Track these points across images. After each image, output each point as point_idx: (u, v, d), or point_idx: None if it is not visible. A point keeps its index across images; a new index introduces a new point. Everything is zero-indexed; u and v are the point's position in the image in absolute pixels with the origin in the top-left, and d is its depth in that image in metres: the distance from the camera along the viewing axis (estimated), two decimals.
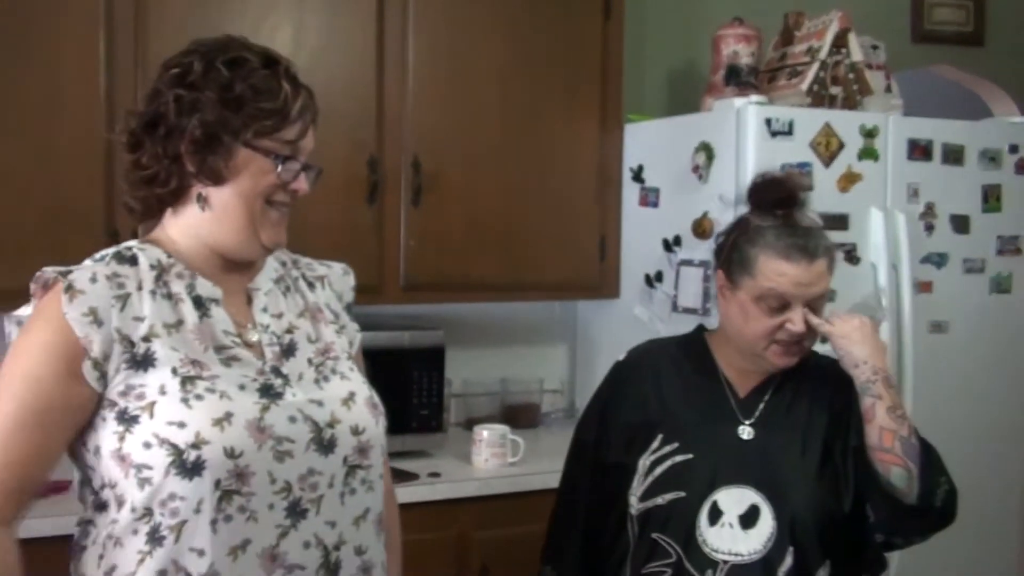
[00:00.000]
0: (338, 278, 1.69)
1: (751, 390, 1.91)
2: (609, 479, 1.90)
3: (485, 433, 2.80)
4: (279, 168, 1.46)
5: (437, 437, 2.91)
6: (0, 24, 2.47)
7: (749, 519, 1.79)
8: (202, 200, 1.47)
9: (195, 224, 1.48)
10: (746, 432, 1.87)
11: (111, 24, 2.55)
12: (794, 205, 1.86)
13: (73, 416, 1.40)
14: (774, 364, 1.86)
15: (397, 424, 2.81)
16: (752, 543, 1.78)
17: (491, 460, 2.77)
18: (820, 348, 1.92)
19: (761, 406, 1.89)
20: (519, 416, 3.24)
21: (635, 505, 1.85)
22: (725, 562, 1.78)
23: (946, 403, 2.99)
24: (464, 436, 2.99)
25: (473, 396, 3.33)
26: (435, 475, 2.68)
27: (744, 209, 1.92)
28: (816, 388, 1.90)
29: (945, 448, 1.83)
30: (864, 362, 1.80)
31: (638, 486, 1.85)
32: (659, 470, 1.84)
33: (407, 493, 2.56)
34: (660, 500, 1.82)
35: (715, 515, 1.80)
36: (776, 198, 1.87)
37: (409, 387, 2.85)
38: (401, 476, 2.62)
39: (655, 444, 1.86)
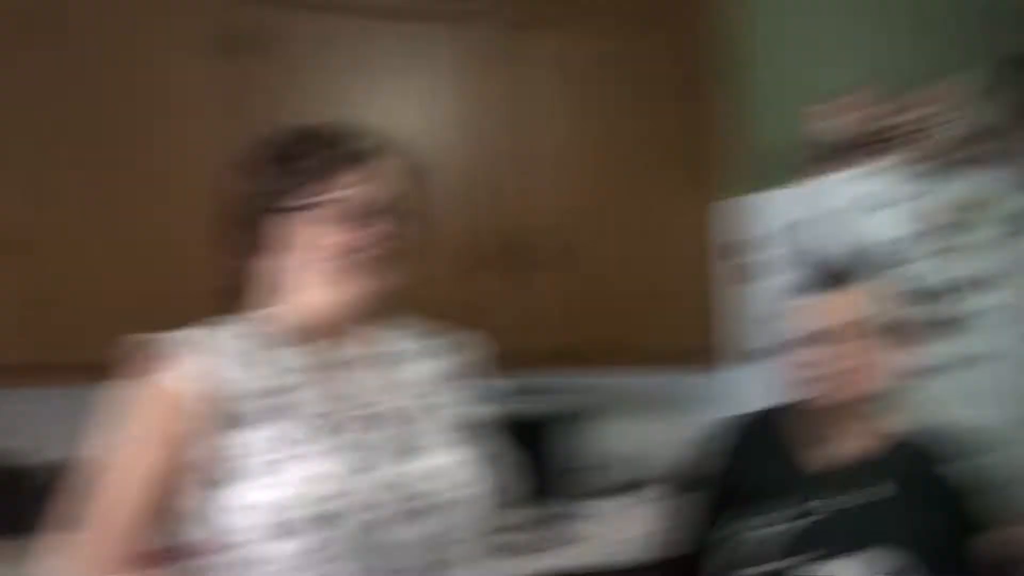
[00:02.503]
0: (445, 352, 1.69)
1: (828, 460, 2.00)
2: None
3: (617, 503, 2.89)
4: (339, 226, 1.49)
5: (572, 507, 3.00)
6: (114, 109, 2.67)
7: None
8: (277, 272, 1.54)
9: (279, 295, 1.54)
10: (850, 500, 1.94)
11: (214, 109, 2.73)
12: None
13: (183, 477, 1.44)
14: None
15: (533, 494, 2.89)
16: None
17: (623, 531, 2.81)
18: None
19: (847, 474, 1.96)
20: (647, 486, 3.26)
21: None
22: None
23: None
24: (598, 506, 3.07)
25: (601, 467, 3.36)
26: (569, 545, 2.74)
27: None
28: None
29: None
30: None
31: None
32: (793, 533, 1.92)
33: (539, 565, 2.64)
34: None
35: None
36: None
37: (542, 458, 2.95)
38: (534, 547, 2.71)
39: (786, 511, 1.95)
